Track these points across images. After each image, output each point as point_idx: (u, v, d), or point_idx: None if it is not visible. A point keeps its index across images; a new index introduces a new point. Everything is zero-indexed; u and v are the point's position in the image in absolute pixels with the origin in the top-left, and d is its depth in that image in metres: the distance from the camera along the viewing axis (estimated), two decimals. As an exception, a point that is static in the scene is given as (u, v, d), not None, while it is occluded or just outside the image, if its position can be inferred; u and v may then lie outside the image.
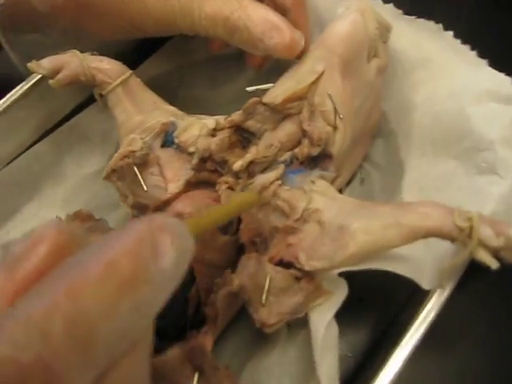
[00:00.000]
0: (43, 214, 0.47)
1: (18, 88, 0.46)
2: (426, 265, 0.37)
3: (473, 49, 0.42)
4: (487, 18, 0.53)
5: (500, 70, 0.41)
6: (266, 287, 0.36)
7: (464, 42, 0.43)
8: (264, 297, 0.36)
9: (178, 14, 0.41)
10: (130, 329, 0.20)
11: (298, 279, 0.36)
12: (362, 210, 0.36)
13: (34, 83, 0.46)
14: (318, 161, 0.40)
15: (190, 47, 0.49)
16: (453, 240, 0.34)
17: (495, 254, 0.33)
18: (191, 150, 0.40)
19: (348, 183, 0.46)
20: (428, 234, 0.34)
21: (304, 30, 0.42)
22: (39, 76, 0.45)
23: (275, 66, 0.47)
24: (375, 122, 0.45)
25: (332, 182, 0.41)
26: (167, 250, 0.20)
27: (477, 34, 0.46)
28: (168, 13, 0.41)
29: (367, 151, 0.47)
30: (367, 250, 0.35)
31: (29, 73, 0.44)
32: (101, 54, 0.44)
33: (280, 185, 0.38)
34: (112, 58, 0.47)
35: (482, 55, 0.42)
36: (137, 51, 0.51)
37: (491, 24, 0.52)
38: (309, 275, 0.36)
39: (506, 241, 0.32)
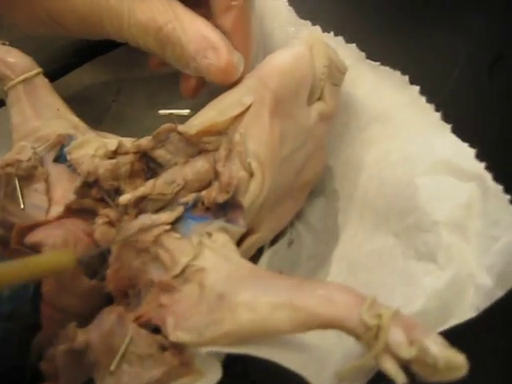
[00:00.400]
0: None
1: None
2: (332, 360, 0.30)
3: (438, 110, 0.35)
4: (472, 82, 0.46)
5: (464, 140, 0.34)
6: (122, 351, 0.29)
7: (430, 100, 0.36)
8: (115, 363, 0.29)
9: (104, 15, 0.36)
10: None
11: (163, 349, 0.30)
12: (255, 280, 0.29)
13: None
14: (226, 210, 0.33)
15: (133, 60, 0.43)
16: (356, 338, 0.27)
17: (404, 365, 0.26)
18: (79, 170, 0.34)
19: (274, 242, 0.39)
20: (327, 324, 0.27)
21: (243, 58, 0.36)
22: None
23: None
24: (313, 177, 0.39)
25: (242, 238, 0.34)
26: None
27: (453, 97, 0.39)
28: (93, 11, 0.36)
29: (301, 208, 0.40)
30: (248, 330, 0.28)
31: None
32: (34, 52, 0.39)
33: (168, 230, 0.31)
34: (48, 55, 0.42)
35: (447, 119, 0.35)
36: (78, 54, 0.46)
37: (471, 89, 0.46)
38: (177, 347, 0.29)
39: (419, 352, 0.25)
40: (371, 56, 0.39)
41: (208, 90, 0.40)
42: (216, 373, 0.29)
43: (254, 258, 0.38)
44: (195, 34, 0.35)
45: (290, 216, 0.39)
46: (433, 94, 0.37)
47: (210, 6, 0.37)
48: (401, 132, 0.37)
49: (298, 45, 0.35)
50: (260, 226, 0.36)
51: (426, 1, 0.54)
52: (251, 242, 0.36)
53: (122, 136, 0.41)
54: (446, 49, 0.49)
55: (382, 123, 0.38)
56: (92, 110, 0.43)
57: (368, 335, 0.26)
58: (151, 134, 0.43)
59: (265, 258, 0.38)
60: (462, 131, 0.35)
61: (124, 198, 0.32)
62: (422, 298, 0.31)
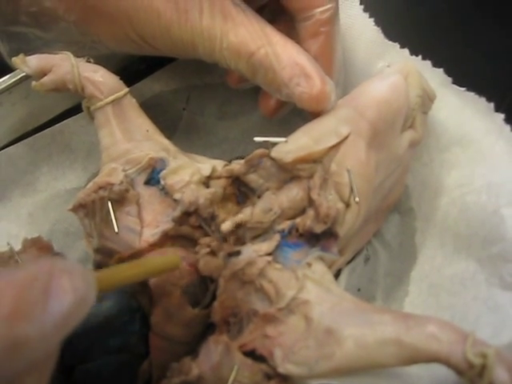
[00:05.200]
0: (3, 226, 0.41)
1: (0, 80, 0.41)
2: (421, 384, 0.31)
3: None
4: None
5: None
6: (230, 382, 0.30)
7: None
8: (225, 393, 0.30)
9: (197, 37, 0.35)
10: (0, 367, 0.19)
11: (268, 377, 0.31)
12: (358, 314, 0.30)
13: (20, 78, 0.41)
14: (320, 237, 0.34)
15: (204, 67, 0.43)
16: (459, 373, 0.28)
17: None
18: (177, 196, 0.34)
19: (351, 259, 0.40)
20: (431, 360, 0.28)
21: None
22: (28, 71, 0.39)
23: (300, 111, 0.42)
24: (395, 199, 0.39)
25: (331, 264, 0.35)
26: (62, 294, 0.20)
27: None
28: (186, 33, 0.35)
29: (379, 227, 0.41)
30: (355, 364, 0.29)
31: (17, 67, 0.39)
32: (102, 61, 0.38)
33: (270, 262, 0.32)
34: (117, 63, 0.42)
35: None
36: (146, 61, 0.46)
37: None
38: (282, 376, 0.30)
39: (524, 392, 0.27)
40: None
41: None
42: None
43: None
44: (288, 60, 0.34)
45: (370, 236, 0.40)
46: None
47: (297, 30, 0.37)
48: (483, 158, 0.37)
49: (393, 74, 0.35)
50: (346, 249, 0.37)
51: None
52: (338, 265, 0.36)
53: (198, 147, 0.42)
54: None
55: (464, 147, 0.38)
56: (165, 118, 0.43)
57: (472, 373, 0.27)
58: (226, 145, 0.44)
59: (344, 276, 0.39)
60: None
61: (226, 226, 0.33)
62: (511, 329, 0.32)
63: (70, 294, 0.20)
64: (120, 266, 0.28)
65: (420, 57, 0.38)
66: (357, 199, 0.32)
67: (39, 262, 0.20)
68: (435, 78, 0.38)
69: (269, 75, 0.35)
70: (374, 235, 0.41)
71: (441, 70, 0.38)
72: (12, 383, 0.20)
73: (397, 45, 0.39)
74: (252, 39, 0.35)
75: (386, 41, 0.40)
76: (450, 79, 0.38)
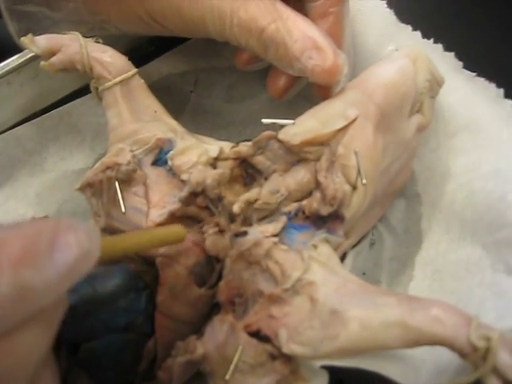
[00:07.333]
0: (11, 205, 0.42)
1: (9, 60, 0.40)
2: (424, 369, 0.31)
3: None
4: None
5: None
6: (235, 362, 0.30)
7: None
8: (230, 372, 0.30)
9: (207, 15, 0.35)
10: (7, 312, 0.19)
11: (273, 358, 0.31)
12: (363, 296, 0.31)
13: (29, 58, 0.41)
14: (326, 220, 0.34)
15: (212, 50, 0.43)
16: (463, 356, 0.28)
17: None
18: (184, 177, 0.34)
19: (356, 243, 0.40)
20: (436, 342, 0.28)
21: None
22: (37, 51, 0.40)
23: (307, 94, 0.41)
24: (402, 184, 0.39)
25: (337, 247, 0.35)
26: (67, 247, 0.21)
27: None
28: (197, 11, 0.35)
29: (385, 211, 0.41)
30: (360, 345, 0.29)
31: (26, 46, 0.39)
32: (111, 42, 0.38)
33: (276, 243, 0.32)
34: (125, 45, 0.42)
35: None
36: (154, 43, 0.46)
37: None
38: (287, 356, 0.31)
39: (527, 375, 0.27)
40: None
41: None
42: (322, 378, 0.30)
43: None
44: (300, 34, 0.34)
45: (375, 220, 0.40)
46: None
47: (307, 10, 0.37)
48: (491, 144, 0.37)
49: (402, 58, 0.35)
50: (351, 232, 0.37)
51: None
52: (343, 248, 0.36)
53: (205, 130, 0.42)
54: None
55: (471, 133, 0.38)
56: (172, 100, 0.43)
57: (475, 356, 0.27)
58: (233, 128, 0.44)
59: (349, 260, 0.39)
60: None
61: (236, 207, 0.33)
62: (515, 315, 0.32)
63: (74, 247, 0.21)
64: (124, 234, 0.28)
65: (432, 40, 0.38)
66: (364, 181, 0.32)
67: (45, 219, 0.22)
68: (446, 61, 0.38)
69: (280, 50, 0.35)
70: (379, 220, 0.41)
71: (452, 53, 0.38)
72: (19, 330, 0.21)
73: (409, 27, 0.39)
74: (262, 15, 0.35)
75: (398, 23, 0.40)
76: (460, 64, 0.38)
